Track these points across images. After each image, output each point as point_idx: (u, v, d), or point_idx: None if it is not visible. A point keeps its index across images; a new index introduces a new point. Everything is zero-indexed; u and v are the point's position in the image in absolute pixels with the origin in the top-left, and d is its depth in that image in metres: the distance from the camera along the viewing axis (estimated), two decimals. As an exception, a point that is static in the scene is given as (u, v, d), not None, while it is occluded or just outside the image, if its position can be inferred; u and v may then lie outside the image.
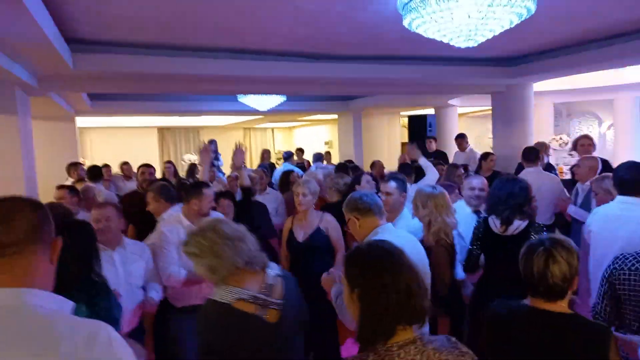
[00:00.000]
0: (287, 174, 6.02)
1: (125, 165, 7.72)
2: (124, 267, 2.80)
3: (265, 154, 9.65)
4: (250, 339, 1.79)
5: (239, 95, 8.20)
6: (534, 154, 5.10)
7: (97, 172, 5.95)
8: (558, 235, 1.88)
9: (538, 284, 1.74)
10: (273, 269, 1.96)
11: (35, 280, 1.12)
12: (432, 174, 4.70)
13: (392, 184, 3.27)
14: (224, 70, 5.24)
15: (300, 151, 10.96)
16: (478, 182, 3.69)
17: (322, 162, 8.32)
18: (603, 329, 1.72)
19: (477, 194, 3.59)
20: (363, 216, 2.38)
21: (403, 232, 2.60)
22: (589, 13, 4.28)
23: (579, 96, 10.45)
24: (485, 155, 6.15)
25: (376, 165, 6.99)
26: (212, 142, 9.17)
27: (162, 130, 15.46)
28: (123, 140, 13.79)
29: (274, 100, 8.38)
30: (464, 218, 3.32)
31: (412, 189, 4.57)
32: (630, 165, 2.90)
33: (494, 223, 2.91)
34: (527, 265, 1.77)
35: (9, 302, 1.06)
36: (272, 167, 9.04)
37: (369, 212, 2.38)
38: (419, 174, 5.26)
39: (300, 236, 3.46)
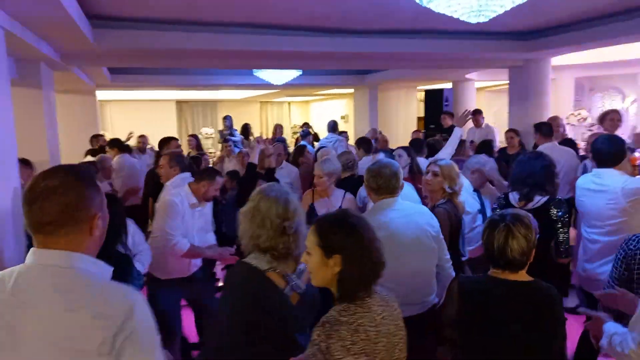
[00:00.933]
0: (300, 150, 6.12)
1: (141, 137, 7.90)
2: None
3: (278, 128, 9.74)
4: (271, 308, 1.79)
5: (254, 70, 8.28)
6: (547, 128, 5.08)
7: (118, 144, 6.17)
8: (519, 210, 1.98)
9: (499, 258, 1.85)
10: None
11: (81, 248, 1.21)
12: (450, 148, 4.71)
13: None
14: (240, 45, 5.32)
15: (306, 126, 11.05)
16: (471, 162, 3.77)
17: (336, 132, 8.23)
18: (554, 291, 1.85)
19: (469, 176, 3.64)
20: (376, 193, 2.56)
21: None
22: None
23: (602, 70, 10.20)
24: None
25: (379, 139, 7.11)
26: (227, 118, 9.36)
27: (180, 104, 15.65)
28: (142, 113, 14.05)
29: (289, 75, 8.43)
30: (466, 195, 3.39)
31: (424, 163, 4.66)
32: (605, 139, 3.08)
33: (514, 198, 2.96)
34: (489, 240, 1.87)
35: (58, 262, 1.17)
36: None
37: (379, 190, 2.54)
38: (432, 149, 5.32)
39: (321, 212, 3.54)
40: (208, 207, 3.45)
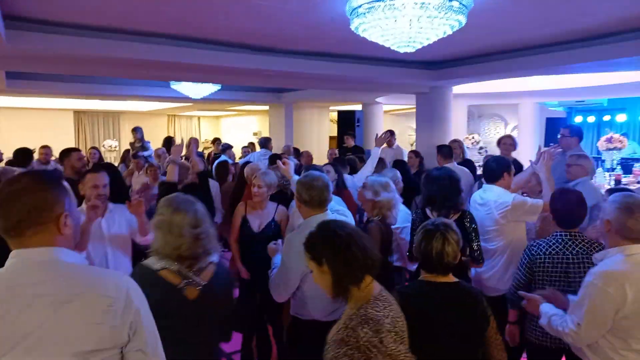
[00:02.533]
0: (223, 166, 6.10)
1: (44, 148, 7.28)
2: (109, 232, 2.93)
3: (193, 141, 9.51)
4: (166, 306, 1.93)
5: (171, 82, 8.08)
6: (447, 149, 5.66)
7: (23, 156, 5.66)
8: (445, 219, 2.23)
9: (437, 263, 2.05)
10: (214, 255, 2.14)
11: (53, 245, 1.29)
12: (370, 167, 5.07)
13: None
14: (163, 57, 5.20)
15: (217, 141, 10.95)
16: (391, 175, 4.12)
17: (269, 148, 8.30)
18: (478, 291, 2.12)
19: None
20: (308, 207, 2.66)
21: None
22: (505, 28, 4.90)
23: (489, 100, 11.55)
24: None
25: (304, 154, 7.33)
26: (138, 130, 8.88)
27: (78, 114, 14.58)
28: (35, 122, 12.86)
29: (208, 89, 8.36)
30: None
31: (348, 179, 4.94)
32: (492, 159, 3.65)
33: (431, 213, 3.23)
34: (427, 248, 2.05)
35: (43, 258, 1.26)
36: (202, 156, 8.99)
37: (310, 203, 2.63)
38: (352, 166, 5.67)
39: (256, 226, 3.57)
40: (119, 215, 3.21)
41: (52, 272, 1.25)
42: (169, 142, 8.82)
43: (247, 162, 5.53)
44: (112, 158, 12.72)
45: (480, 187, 4.96)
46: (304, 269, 2.39)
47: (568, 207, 2.57)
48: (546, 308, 2.13)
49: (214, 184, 5.57)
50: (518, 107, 11.30)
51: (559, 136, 5.01)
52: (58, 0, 3.76)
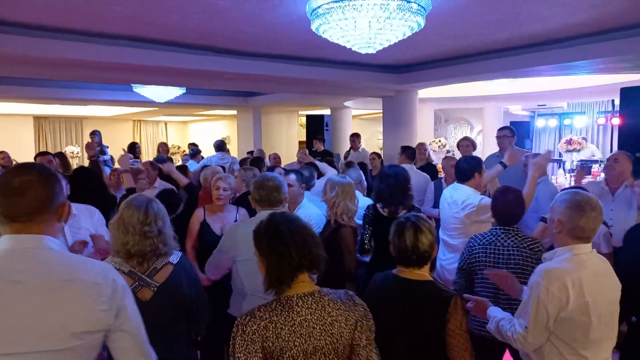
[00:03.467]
0: (184, 170, 5.91)
1: (2, 153, 6.95)
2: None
3: (162, 146, 9.33)
4: None
5: (134, 85, 7.88)
6: (411, 152, 5.65)
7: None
8: (417, 213, 2.28)
9: (411, 254, 2.03)
10: (173, 256, 2.12)
11: (51, 232, 1.40)
12: (330, 170, 5.06)
13: (292, 177, 3.55)
14: (122, 58, 5.09)
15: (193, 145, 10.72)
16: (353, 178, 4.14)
17: (225, 151, 8.17)
18: (450, 294, 2.06)
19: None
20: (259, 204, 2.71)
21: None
22: (464, 33, 4.98)
23: (455, 104, 11.76)
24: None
25: (272, 157, 7.25)
26: (96, 134, 8.52)
27: (38, 119, 14.08)
28: (-10, 128, 12.34)
29: (172, 92, 8.20)
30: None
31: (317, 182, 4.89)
32: (464, 159, 3.72)
33: (380, 207, 3.32)
34: (401, 240, 2.05)
35: (35, 244, 1.36)
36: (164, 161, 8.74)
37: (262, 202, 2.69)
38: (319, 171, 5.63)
39: (217, 229, 3.48)
40: (85, 218, 3.06)
41: (44, 259, 1.35)
42: (133, 147, 8.58)
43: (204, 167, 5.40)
44: (75, 164, 12.32)
45: (440, 185, 5.01)
46: (235, 254, 2.59)
47: (506, 207, 2.69)
48: (494, 312, 2.08)
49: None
50: (483, 111, 11.53)
51: (496, 136, 5.14)
52: (5, -3, 3.61)
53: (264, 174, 2.76)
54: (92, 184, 3.88)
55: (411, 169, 5.42)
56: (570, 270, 1.86)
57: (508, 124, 11.52)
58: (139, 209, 2.04)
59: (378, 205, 3.35)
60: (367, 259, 3.50)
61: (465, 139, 5.95)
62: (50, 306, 1.30)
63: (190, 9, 3.99)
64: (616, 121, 6.77)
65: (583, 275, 1.85)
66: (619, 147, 6.03)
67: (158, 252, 2.05)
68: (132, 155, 7.70)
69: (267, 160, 6.83)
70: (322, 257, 1.65)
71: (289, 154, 11.36)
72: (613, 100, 10.54)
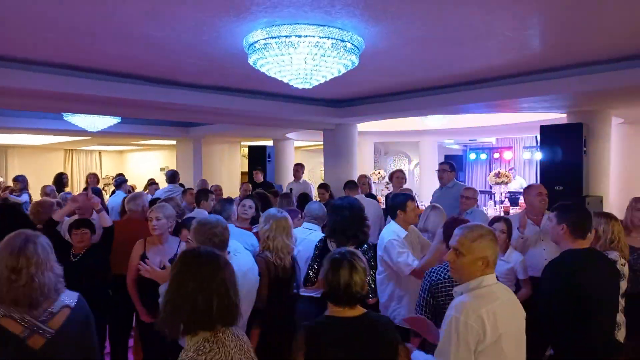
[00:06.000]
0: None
1: None
2: None
3: (91, 177, 8.86)
4: (6, 356, 1.82)
5: (65, 114, 7.52)
6: (352, 184, 5.86)
7: None
8: (351, 248, 2.19)
9: (344, 294, 1.96)
10: (68, 299, 1.99)
11: None
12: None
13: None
14: (54, 86, 4.86)
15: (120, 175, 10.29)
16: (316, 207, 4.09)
17: (177, 182, 7.85)
18: (386, 318, 2.07)
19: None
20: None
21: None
22: (398, 70, 5.22)
23: (393, 137, 12.21)
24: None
25: (215, 189, 7.09)
26: (21, 179, 7.81)
27: (-45, 148, 13.05)
28: None
29: (106, 121, 7.89)
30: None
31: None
32: (391, 196, 3.83)
33: (331, 244, 3.21)
34: (335, 279, 1.97)
35: None
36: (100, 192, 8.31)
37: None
38: (265, 201, 5.54)
39: (157, 262, 3.31)
40: None
41: None
42: (60, 178, 8.10)
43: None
44: (-4, 196, 11.41)
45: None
46: None
47: None
48: (418, 356, 2.06)
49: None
50: (419, 145, 12.02)
51: (437, 170, 5.39)
52: None
53: (206, 218, 2.63)
54: (17, 219, 3.61)
55: (361, 198, 5.51)
56: (484, 302, 1.89)
57: (443, 157, 12.13)
58: (11, 253, 1.87)
59: (328, 242, 3.23)
60: (313, 293, 3.44)
61: (398, 171, 6.18)
62: None
63: (125, 39, 3.91)
64: (539, 156, 7.28)
65: (496, 307, 1.88)
66: (541, 181, 6.47)
67: (34, 303, 1.86)
68: (53, 187, 7.24)
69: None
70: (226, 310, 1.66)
71: (231, 186, 11.20)
72: (537, 136, 11.37)
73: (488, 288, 1.95)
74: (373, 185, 10.40)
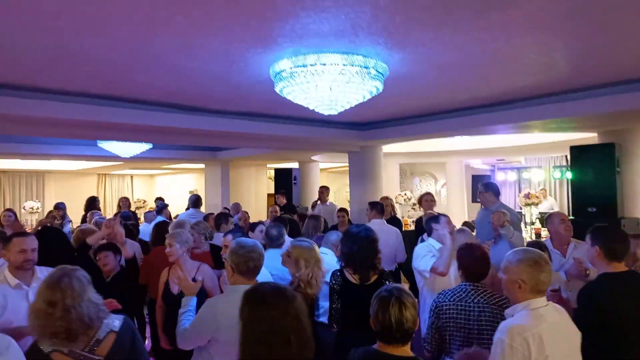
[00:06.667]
0: (161, 227, 5.67)
1: None
2: None
3: (122, 201, 9.14)
4: None
5: (99, 140, 7.81)
6: (381, 207, 5.71)
7: None
8: (397, 284, 2.19)
9: (396, 331, 1.94)
10: (113, 321, 2.03)
11: None
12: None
13: (229, 237, 3.50)
14: (91, 116, 5.07)
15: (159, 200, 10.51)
16: (334, 239, 4.09)
17: (199, 207, 8.03)
18: None
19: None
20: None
21: None
22: (421, 94, 5.24)
23: (419, 158, 12.13)
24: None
25: (242, 215, 7.18)
26: (61, 206, 8.17)
27: (-3, 173, 13.66)
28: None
29: (138, 147, 8.14)
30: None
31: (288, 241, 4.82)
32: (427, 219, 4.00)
33: (349, 273, 3.13)
34: (385, 316, 1.95)
35: None
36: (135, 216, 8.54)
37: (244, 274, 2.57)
38: (293, 227, 5.57)
39: (175, 288, 3.38)
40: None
41: None
42: (92, 202, 8.37)
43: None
44: (34, 220, 11.85)
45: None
46: (212, 334, 2.40)
47: (473, 263, 2.77)
48: None
49: (134, 244, 5.25)
50: (445, 165, 11.91)
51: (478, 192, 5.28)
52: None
53: (243, 241, 2.64)
54: (54, 243, 3.75)
55: (382, 224, 5.48)
56: (530, 325, 1.96)
57: (470, 178, 11.96)
58: (47, 289, 1.94)
59: (346, 271, 3.17)
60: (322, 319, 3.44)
61: (427, 194, 6.12)
62: None
63: (158, 70, 4.07)
64: (569, 175, 7.12)
65: (542, 330, 1.94)
66: (573, 202, 6.31)
67: (73, 333, 1.90)
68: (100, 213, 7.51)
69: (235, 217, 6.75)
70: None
71: (258, 208, 11.33)
72: (567, 156, 11.12)
73: (536, 311, 2.02)
74: (399, 207, 10.35)
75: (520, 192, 10.95)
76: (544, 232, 8.15)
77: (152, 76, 4.27)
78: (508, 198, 12.89)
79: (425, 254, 3.65)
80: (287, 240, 4.65)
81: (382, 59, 3.73)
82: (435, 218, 3.89)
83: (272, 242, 4.02)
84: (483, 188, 5.06)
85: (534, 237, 7.85)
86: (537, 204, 8.89)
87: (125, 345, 2.02)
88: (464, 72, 4.31)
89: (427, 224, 3.95)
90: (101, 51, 3.53)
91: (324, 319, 3.62)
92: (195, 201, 7.66)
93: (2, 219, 6.78)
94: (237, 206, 8.01)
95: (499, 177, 12.89)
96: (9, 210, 7.12)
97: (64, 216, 7.95)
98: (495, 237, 4.33)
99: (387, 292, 2.04)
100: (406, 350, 2.00)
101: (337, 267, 3.32)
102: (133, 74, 4.20)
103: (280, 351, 1.55)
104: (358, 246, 3.13)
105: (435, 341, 2.74)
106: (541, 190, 10.47)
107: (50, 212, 7.69)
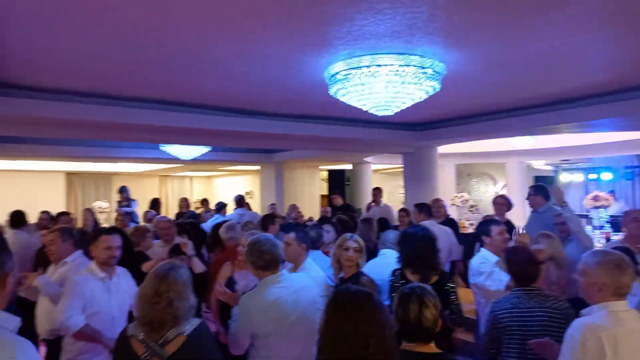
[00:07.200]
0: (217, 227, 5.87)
1: (44, 213, 7.14)
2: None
3: (182, 201, 9.53)
4: None
5: (160, 144, 8.19)
6: (427, 208, 5.61)
7: (18, 218, 5.63)
8: (421, 284, 2.15)
9: (415, 329, 1.93)
10: (186, 326, 2.10)
11: None
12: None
13: (291, 235, 3.53)
14: (154, 120, 5.33)
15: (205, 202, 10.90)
16: (391, 237, 4.05)
17: (244, 206, 8.32)
18: None
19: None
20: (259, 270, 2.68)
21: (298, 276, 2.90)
22: (480, 93, 5.08)
23: (476, 159, 11.74)
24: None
25: (295, 216, 7.33)
26: (124, 190, 8.95)
27: (69, 176, 14.61)
28: (25, 185, 12.82)
29: (198, 150, 8.46)
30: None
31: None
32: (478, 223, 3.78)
33: (411, 275, 3.08)
34: (404, 313, 1.95)
35: None
36: (196, 216, 8.87)
37: (264, 268, 2.65)
38: (345, 225, 5.56)
39: (241, 285, 3.47)
40: (125, 280, 3.23)
41: None
42: (156, 203, 8.80)
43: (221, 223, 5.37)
44: (103, 219, 12.62)
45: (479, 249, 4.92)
46: (250, 329, 2.52)
47: (519, 267, 2.70)
48: None
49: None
50: (505, 166, 11.46)
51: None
52: (43, 66, 3.88)
53: (257, 239, 2.74)
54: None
55: (432, 225, 5.33)
56: (606, 325, 1.89)
57: (532, 179, 11.45)
58: (155, 278, 2.11)
59: (407, 271, 3.14)
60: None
61: (501, 197, 5.75)
62: None
63: (216, 75, 4.21)
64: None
65: (619, 333, 1.87)
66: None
67: (164, 325, 2.04)
68: (154, 212, 7.94)
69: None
70: None
71: (311, 208, 11.42)
72: (639, 155, 10.38)
73: (615, 313, 1.95)
74: (455, 210, 10.06)
75: (587, 194, 10.33)
76: (615, 236, 7.65)
77: (210, 81, 4.43)
78: (573, 201, 12.20)
79: (492, 269, 3.37)
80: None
81: (438, 58, 3.65)
82: (487, 225, 3.71)
83: (312, 243, 4.01)
84: (532, 191, 4.95)
85: (604, 242, 7.37)
86: (606, 207, 8.35)
87: (193, 350, 2.08)
88: (524, 71, 4.14)
89: (478, 228, 3.80)
90: (164, 57, 3.69)
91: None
92: (239, 200, 7.92)
93: (84, 220, 7.28)
94: (293, 207, 8.14)
95: (564, 179, 12.25)
96: (88, 209, 7.65)
97: (128, 198, 8.57)
98: (562, 238, 4.12)
99: (409, 289, 2.04)
100: (431, 347, 1.96)
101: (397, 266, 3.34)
102: (193, 80, 4.37)
103: (358, 354, 1.57)
104: (415, 246, 3.11)
105: (489, 351, 2.67)
106: (610, 192, 9.83)
107: (117, 215, 8.22)
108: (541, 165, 12.55)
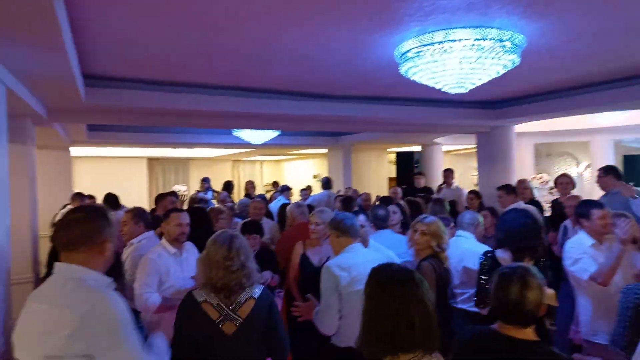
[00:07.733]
0: (283, 208, 6.20)
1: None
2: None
3: (249, 184, 9.83)
4: (202, 336, 2.12)
5: (234, 130, 8.48)
6: (511, 188, 5.46)
7: (113, 200, 6.22)
8: (523, 264, 2.01)
9: (513, 311, 1.79)
10: (253, 291, 2.23)
11: (90, 263, 1.68)
12: None
13: (362, 217, 3.64)
14: (227, 107, 5.52)
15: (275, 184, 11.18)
16: (467, 218, 3.95)
17: (330, 188, 8.51)
18: (565, 359, 1.77)
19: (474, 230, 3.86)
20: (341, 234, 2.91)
21: (370, 251, 3.09)
22: (563, 66, 4.72)
23: (557, 137, 10.99)
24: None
25: (364, 198, 7.36)
26: (206, 180, 9.59)
27: (151, 161, 15.57)
28: (112, 170, 13.87)
29: (268, 135, 8.66)
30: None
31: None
32: (578, 203, 3.63)
33: (502, 256, 2.93)
34: (504, 293, 1.81)
35: (66, 272, 1.66)
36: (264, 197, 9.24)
37: (345, 233, 2.90)
38: (413, 207, 5.50)
39: (316, 260, 3.64)
40: (193, 255, 3.41)
41: (62, 286, 1.62)
42: (228, 185, 9.22)
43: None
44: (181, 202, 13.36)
45: (565, 230, 4.64)
46: (339, 289, 2.68)
47: None
48: None
49: (272, 224, 5.73)
50: (589, 145, 10.64)
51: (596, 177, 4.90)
52: (128, 58, 4.13)
53: (337, 214, 3.07)
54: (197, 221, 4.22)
55: (519, 206, 5.12)
56: None
57: (621, 158, 10.53)
58: (222, 245, 2.21)
59: (499, 252, 2.97)
60: (467, 306, 3.37)
61: (564, 175, 5.56)
62: (36, 328, 1.57)
63: (286, 61, 4.26)
64: None
65: None
66: None
67: (242, 286, 2.18)
68: (227, 193, 8.35)
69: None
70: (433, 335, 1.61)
71: (379, 191, 11.32)
72: None
73: None
74: (535, 191, 9.53)
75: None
76: None
77: (281, 67, 4.49)
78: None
79: (580, 256, 3.18)
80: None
81: (517, 29, 3.43)
82: (587, 207, 3.39)
83: (381, 222, 4.04)
84: (602, 172, 4.73)
85: None
86: None
87: (263, 312, 2.21)
88: (616, 41, 3.79)
89: (577, 209, 3.48)
90: (235, 44, 3.77)
91: (463, 306, 3.56)
92: (327, 182, 8.09)
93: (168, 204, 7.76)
94: (355, 192, 8.21)
95: (658, 157, 11.16)
96: (173, 193, 8.15)
97: (208, 188, 9.33)
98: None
99: (510, 269, 1.90)
100: (528, 333, 1.80)
101: (475, 249, 3.38)
102: (264, 66, 4.45)
103: (404, 335, 1.54)
104: (514, 225, 2.93)
105: (628, 340, 2.46)
106: None
107: (194, 193, 8.75)
108: (631, 142, 11.50)
